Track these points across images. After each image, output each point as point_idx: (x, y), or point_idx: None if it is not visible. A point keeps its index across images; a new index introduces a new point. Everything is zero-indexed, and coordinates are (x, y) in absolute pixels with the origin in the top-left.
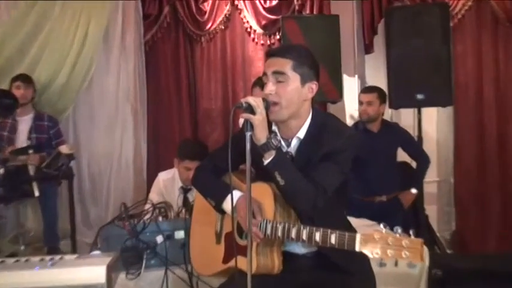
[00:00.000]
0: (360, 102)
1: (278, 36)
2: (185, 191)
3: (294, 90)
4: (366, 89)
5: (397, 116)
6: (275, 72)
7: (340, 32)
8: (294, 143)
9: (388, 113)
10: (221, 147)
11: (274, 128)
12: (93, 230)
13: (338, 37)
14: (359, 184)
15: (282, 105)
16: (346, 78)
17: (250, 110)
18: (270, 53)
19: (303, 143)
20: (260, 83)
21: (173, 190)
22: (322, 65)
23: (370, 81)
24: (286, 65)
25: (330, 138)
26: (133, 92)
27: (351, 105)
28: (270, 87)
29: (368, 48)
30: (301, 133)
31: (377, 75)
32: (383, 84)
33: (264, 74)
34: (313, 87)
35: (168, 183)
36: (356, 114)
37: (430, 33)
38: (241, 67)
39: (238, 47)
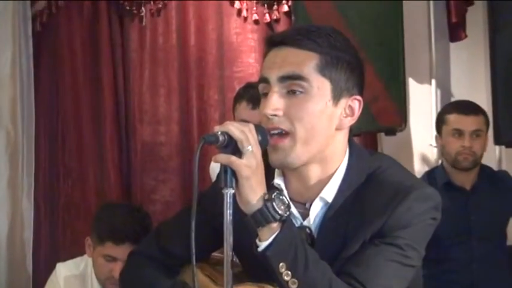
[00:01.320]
0: (457, 132)
1: (286, 8)
2: None
3: (320, 111)
4: (467, 108)
5: (510, 161)
6: (286, 77)
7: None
8: (316, 210)
9: (494, 154)
10: (176, 218)
11: (277, 181)
12: None
13: (400, 9)
14: (441, 287)
15: (296, 137)
16: (414, 87)
17: (233, 147)
18: (274, 40)
19: (332, 210)
20: (251, 94)
21: None
22: (369, 62)
23: (460, 94)
24: (307, 62)
25: (382, 203)
26: (9, 110)
27: (422, 138)
28: (275, 102)
29: (456, 32)
30: (329, 192)
31: (473, 82)
32: (482, 100)
33: (263, 79)
34: (353, 106)
35: (75, 284)
36: (432, 155)
37: None
38: (217, 64)
39: (211, 27)
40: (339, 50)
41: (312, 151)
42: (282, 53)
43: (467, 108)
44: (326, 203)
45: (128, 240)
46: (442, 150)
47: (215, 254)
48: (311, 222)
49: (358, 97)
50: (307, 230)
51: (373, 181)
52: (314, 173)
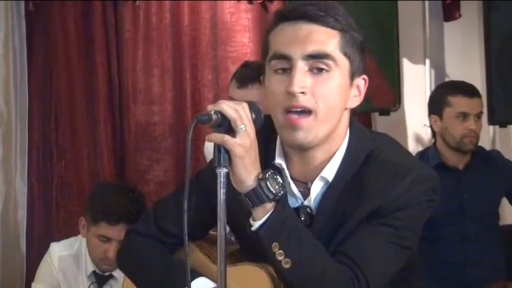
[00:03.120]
0: (462, 115)
1: None
2: (100, 279)
3: (341, 90)
4: (471, 90)
5: (503, 140)
6: (312, 56)
7: None
8: (317, 190)
9: (488, 134)
10: (173, 196)
11: (278, 161)
12: None
13: None
14: (434, 266)
15: (319, 116)
16: (408, 67)
17: (227, 126)
18: (292, 15)
19: (332, 190)
20: (240, 74)
21: (78, 277)
22: None
23: (454, 73)
24: (331, 40)
25: (381, 183)
26: (2, 90)
27: (416, 118)
28: (301, 80)
29: (450, 11)
30: (330, 171)
31: (467, 61)
32: (477, 80)
33: (282, 56)
34: (360, 85)
35: (69, 264)
36: (426, 135)
37: None
38: (210, 44)
39: (205, 7)
40: (354, 29)
41: (329, 129)
42: (304, 29)
43: (471, 90)
44: (326, 182)
45: (122, 220)
46: (443, 132)
47: (212, 231)
48: (312, 201)
49: (365, 76)
50: (308, 209)
51: (373, 161)
52: (320, 153)
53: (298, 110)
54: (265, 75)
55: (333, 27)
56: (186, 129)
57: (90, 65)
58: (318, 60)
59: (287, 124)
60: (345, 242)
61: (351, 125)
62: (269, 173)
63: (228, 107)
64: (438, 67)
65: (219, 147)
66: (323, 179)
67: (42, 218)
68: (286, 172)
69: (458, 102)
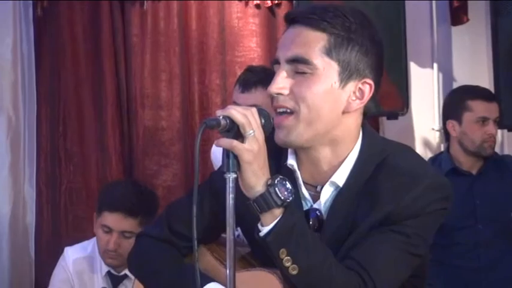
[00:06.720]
0: (481, 119)
1: None
2: (115, 280)
3: (325, 92)
4: (489, 94)
5: None
6: (291, 60)
7: None
8: (327, 194)
9: (496, 138)
10: (185, 199)
11: (290, 161)
12: None
13: None
14: (447, 271)
15: (300, 116)
16: (416, 71)
17: (235, 131)
18: (288, 17)
19: (342, 195)
20: (242, 78)
21: (93, 279)
22: None
23: (462, 78)
24: (315, 43)
25: (393, 189)
26: (10, 95)
27: (424, 122)
28: (280, 81)
29: (457, 15)
30: (340, 177)
31: (475, 66)
32: (485, 84)
33: (275, 60)
34: (364, 89)
35: (84, 266)
36: (434, 139)
37: None
38: (218, 49)
39: (212, 11)
40: (352, 31)
41: (316, 131)
42: (294, 32)
43: (489, 94)
44: (337, 187)
45: (122, 209)
46: (461, 137)
47: (224, 235)
48: (321, 205)
49: (370, 81)
50: (317, 212)
51: (386, 165)
52: (324, 156)
53: (281, 110)
54: None
55: (321, 30)
56: (194, 133)
57: (98, 70)
58: (298, 65)
59: (275, 124)
60: (355, 248)
61: (364, 128)
62: (278, 178)
63: (236, 112)
64: (446, 71)
65: (227, 153)
66: (333, 184)
67: (50, 223)
68: (298, 174)
69: (478, 107)
